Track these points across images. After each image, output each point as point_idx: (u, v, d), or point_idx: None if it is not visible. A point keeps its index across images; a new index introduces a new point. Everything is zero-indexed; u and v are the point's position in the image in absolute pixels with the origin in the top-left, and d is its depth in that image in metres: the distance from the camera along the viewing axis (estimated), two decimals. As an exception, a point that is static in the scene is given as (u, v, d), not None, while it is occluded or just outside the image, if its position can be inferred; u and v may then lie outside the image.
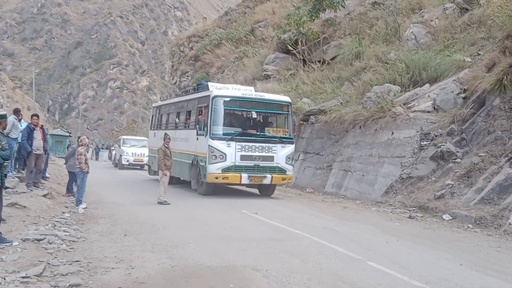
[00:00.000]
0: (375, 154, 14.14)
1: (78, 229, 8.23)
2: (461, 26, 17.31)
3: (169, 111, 18.23)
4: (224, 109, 13.36)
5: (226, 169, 12.88)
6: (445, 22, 17.97)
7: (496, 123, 11.67)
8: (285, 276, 5.48)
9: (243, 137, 13.24)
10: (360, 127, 15.37)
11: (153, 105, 22.06)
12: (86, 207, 10.77)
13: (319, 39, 22.53)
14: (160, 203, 11.75)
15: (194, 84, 18.63)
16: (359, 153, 14.87)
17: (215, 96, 13.25)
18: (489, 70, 12.98)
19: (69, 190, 12.84)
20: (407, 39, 18.40)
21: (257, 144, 13.29)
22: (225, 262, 6.13)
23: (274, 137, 13.71)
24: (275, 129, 14.18)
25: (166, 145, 12.37)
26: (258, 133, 13.76)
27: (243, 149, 13.08)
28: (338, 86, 18.97)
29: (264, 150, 13.35)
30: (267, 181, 13.41)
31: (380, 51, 18.09)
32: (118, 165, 28.38)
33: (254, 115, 14.00)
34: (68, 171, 12.84)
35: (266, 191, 14.43)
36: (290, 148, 13.90)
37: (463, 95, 13.51)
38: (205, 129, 13.18)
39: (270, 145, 13.48)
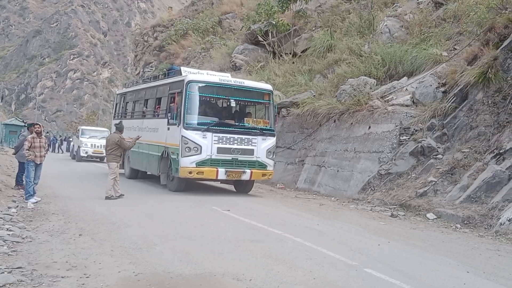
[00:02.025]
0: (351, 149, 13.46)
1: (25, 228, 7.10)
2: (435, 20, 16.94)
3: (135, 99, 16.69)
4: (200, 96, 12.02)
5: (201, 163, 11.60)
6: (420, 17, 17.60)
7: (479, 118, 11.18)
8: None
9: (221, 128, 11.96)
10: (334, 121, 14.67)
11: (117, 92, 20.33)
12: (36, 202, 9.58)
13: (289, 31, 21.76)
14: (116, 197, 10.77)
15: (164, 69, 17.10)
16: (333, 148, 14.17)
17: (190, 81, 11.88)
18: (470, 63, 12.53)
19: (18, 182, 11.61)
20: (381, 32, 17.90)
21: (236, 136, 12.05)
22: (199, 269, 5.20)
23: (254, 128, 12.46)
24: (255, 119, 13.01)
25: (121, 136, 11.28)
26: (237, 124, 12.48)
27: (221, 141, 11.82)
28: (310, 78, 18.26)
29: (243, 142, 12.13)
30: (246, 176, 12.22)
31: (354, 43, 17.50)
32: (76, 157, 26.85)
33: (233, 103, 12.75)
34: (18, 162, 11.61)
35: (243, 187, 13.29)
36: (271, 141, 12.70)
37: (442, 89, 13.01)
38: (178, 118, 11.82)
39: (250, 137, 12.26)
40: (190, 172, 11.55)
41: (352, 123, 13.86)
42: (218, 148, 11.77)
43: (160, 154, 13.02)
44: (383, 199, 11.22)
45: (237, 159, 12.03)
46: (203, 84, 12.10)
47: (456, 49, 14.96)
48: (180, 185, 12.37)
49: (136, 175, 15.58)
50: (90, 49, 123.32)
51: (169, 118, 12.37)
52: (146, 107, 15.29)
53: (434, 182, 10.46)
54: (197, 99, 11.97)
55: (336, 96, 15.14)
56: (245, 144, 12.17)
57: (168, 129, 12.52)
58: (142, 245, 6.25)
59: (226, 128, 12.07)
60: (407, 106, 13.05)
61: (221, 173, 11.78)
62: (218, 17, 31.64)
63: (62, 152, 39.30)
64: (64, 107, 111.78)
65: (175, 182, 12.38)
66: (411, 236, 7.66)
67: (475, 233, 8.23)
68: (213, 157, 11.74)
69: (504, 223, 8.23)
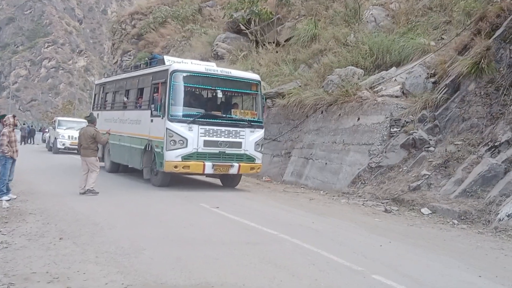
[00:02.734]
0: (340, 141, 13.13)
1: (0, 231, 6.54)
2: (421, 9, 16.70)
3: (116, 89, 15.85)
4: (185, 86, 11.37)
5: (187, 157, 11.05)
6: (406, 5, 17.34)
7: (471, 110, 10.94)
8: (278, 299, 4.21)
9: (207, 120, 11.42)
10: (322, 112, 14.31)
11: (96, 82, 19.42)
12: (10, 199, 8.97)
13: (272, 20, 21.29)
14: (90, 191, 10.30)
15: (146, 58, 16.34)
16: (321, 140, 13.82)
17: (174, 71, 11.28)
18: (460, 53, 12.28)
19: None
20: (367, 21, 17.59)
21: (223, 128, 11.53)
22: (194, 278, 4.75)
23: (242, 120, 11.99)
24: (242, 111, 12.52)
25: (96, 128, 10.84)
26: (224, 116, 11.92)
27: (207, 133, 11.29)
28: (294, 68, 17.85)
29: (230, 135, 11.63)
30: (233, 170, 11.71)
31: (340, 32, 17.13)
32: (52, 149, 25.93)
33: (220, 94, 12.03)
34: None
35: (230, 181, 12.82)
36: (259, 133, 12.22)
37: (432, 79, 12.75)
38: (162, 109, 11.20)
39: (238, 129, 11.76)
40: (176, 167, 11.02)
41: (340, 115, 13.52)
42: (204, 141, 11.26)
43: (143, 148, 12.40)
44: (375, 193, 10.93)
45: (225, 152, 11.54)
46: (189, 74, 11.50)
47: (443, 38, 14.74)
48: (164, 180, 11.82)
49: (117, 168, 14.97)
50: (65, 37, 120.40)
51: (153, 109, 11.76)
52: (127, 98, 14.57)
53: (427, 176, 10.20)
54: (182, 90, 11.33)
55: (323, 86, 14.77)
56: (233, 136, 11.69)
57: (152, 121, 11.93)
58: (129, 250, 5.77)
59: (213, 120, 11.55)
60: (397, 97, 12.75)
61: (208, 167, 11.28)
62: (198, 5, 30.95)
63: (32, 143, 37.64)
64: (39, 96, 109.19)
65: (160, 177, 11.82)
66: (410, 234, 7.35)
67: (474, 229, 7.98)
68: (200, 150, 11.22)
69: (503, 218, 8.00)
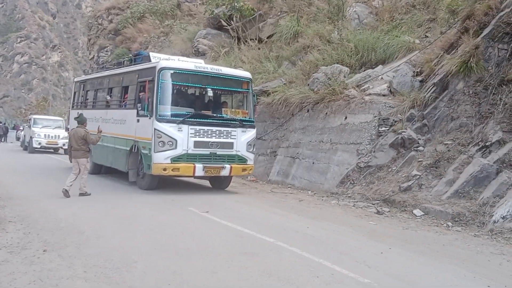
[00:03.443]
0: (327, 140, 12.95)
1: (-22, 243, 6.12)
2: (405, 7, 16.66)
3: (97, 87, 15.20)
4: (174, 84, 10.90)
5: (176, 159, 10.58)
6: (389, 3, 17.27)
7: (460, 109, 10.87)
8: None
9: (197, 120, 10.95)
10: (308, 111, 14.11)
11: (76, 79, 18.46)
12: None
13: (254, 16, 20.97)
14: (82, 194, 10.14)
15: (131, 55, 15.73)
16: (307, 139, 13.61)
17: (162, 68, 10.76)
18: (447, 51, 12.23)
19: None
20: (351, 19, 17.46)
21: (214, 128, 11.08)
22: (194, 296, 4.47)
23: (234, 119, 11.61)
24: (233, 110, 12.08)
25: (87, 129, 10.53)
26: (215, 115, 11.47)
27: (198, 134, 10.81)
28: (278, 65, 17.60)
29: (222, 135, 11.19)
30: (225, 172, 11.28)
31: (325, 29, 16.93)
32: (28, 148, 25.14)
33: (210, 92, 11.35)
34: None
35: (220, 183, 12.38)
36: (251, 133, 11.81)
37: (419, 78, 12.68)
38: (150, 109, 10.70)
39: (229, 129, 11.33)
40: (165, 169, 10.55)
41: (327, 113, 13.34)
42: (195, 142, 10.78)
43: (128, 149, 11.86)
44: (364, 193, 10.78)
45: (216, 153, 11.09)
46: (177, 72, 11.00)
47: (427, 36, 14.71)
48: (152, 183, 11.35)
49: (100, 170, 14.37)
50: (38, 31, 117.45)
51: (139, 109, 11.29)
52: (110, 97, 13.95)
53: (418, 176, 10.09)
54: (170, 88, 10.86)
55: (308, 84, 14.56)
56: (224, 137, 11.25)
57: (138, 121, 11.43)
58: (120, 263, 5.43)
59: (203, 120, 11.10)
60: (384, 95, 12.63)
61: (199, 169, 10.81)
62: (177, 0, 30.36)
63: (5, 141, 36.21)
64: (12, 93, 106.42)
65: (147, 180, 11.33)
66: (408, 239, 7.18)
67: (469, 232, 7.87)
68: (190, 151, 10.73)
69: (498, 220, 7.93)
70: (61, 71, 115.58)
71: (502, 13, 10.76)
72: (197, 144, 10.82)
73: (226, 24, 21.30)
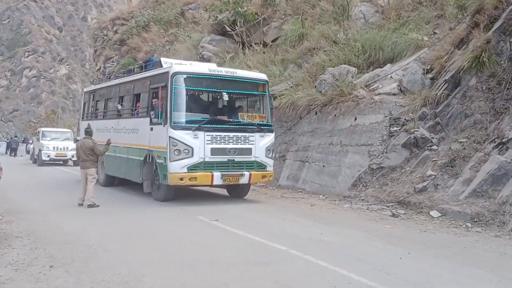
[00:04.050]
0: (337, 142, 12.66)
1: (-17, 260, 5.92)
2: (411, 4, 16.38)
3: (108, 96, 14.65)
4: (188, 89, 10.43)
5: (193, 167, 10.07)
6: (395, 1, 17.01)
7: (474, 105, 10.56)
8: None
9: (214, 126, 10.46)
10: (316, 113, 13.84)
11: (85, 90, 17.93)
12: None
13: (258, 20, 20.79)
14: (91, 205, 10.08)
15: (141, 62, 15.35)
16: (317, 142, 13.34)
17: (175, 73, 10.25)
18: (457, 47, 11.92)
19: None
20: (356, 18, 17.20)
21: (231, 134, 10.56)
22: (205, 311, 4.22)
23: (251, 124, 11.01)
24: (250, 114, 11.49)
25: (94, 140, 10.60)
26: (231, 120, 10.93)
27: (214, 140, 10.33)
28: (284, 68, 17.39)
29: (239, 141, 10.67)
30: (244, 180, 10.73)
31: (330, 30, 16.68)
32: (37, 161, 25.13)
33: (226, 96, 10.85)
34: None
35: (239, 192, 11.80)
36: (270, 138, 11.30)
37: (430, 75, 12.38)
38: (164, 116, 10.21)
39: (247, 134, 10.80)
40: (181, 179, 10.03)
41: (336, 115, 13.07)
42: (212, 149, 10.29)
43: (142, 159, 11.37)
44: (378, 196, 10.49)
45: (234, 160, 10.59)
46: (191, 76, 10.56)
47: (436, 33, 14.42)
48: (168, 194, 10.83)
49: (112, 182, 13.92)
50: (46, 45, 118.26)
51: (152, 116, 10.84)
52: (121, 105, 13.48)
53: (433, 176, 9.78)
54: (184, 94, 10.38)
55: (315, 86, 14.32)
56: (242, 142, 10.74)
57: (152, 129, 10.96)
58: (129, 278, 5.19)
59: (220, 126, 10.60)
60: (394, 94, 12.34)
61: (217, 177, 10.32)
62: (181, 8, 30.29)
63: (15, 155, 35.94)
64: (21, 107, 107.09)
65: (163, 191, 10.83)
66: (427, 242, 6.88)
67: (490, 232, 7.55)
68: (207, 159, 10.23)
69: (519, 219, 7.60)
70: (69, 83, 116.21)
71: (513, 6, 10.45)
72: (214, 151, 10.35)
73: (230, 30, 21.15)
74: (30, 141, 34.53)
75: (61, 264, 5.77)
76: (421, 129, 11.00)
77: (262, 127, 11.21)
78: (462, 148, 9.99)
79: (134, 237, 7.34)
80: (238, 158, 10.66)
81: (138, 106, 12.26)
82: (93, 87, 16.85)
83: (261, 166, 11.08)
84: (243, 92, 11.56)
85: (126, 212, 9.70)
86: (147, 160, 11.15)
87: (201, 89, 11.07)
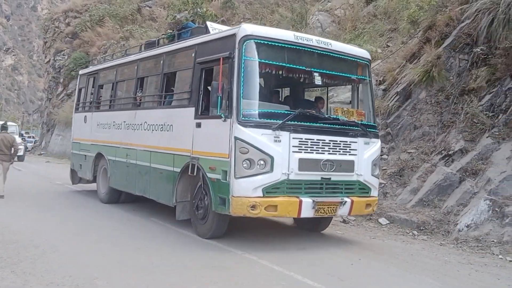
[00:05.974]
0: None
1: None
2: (366, 16, 16.89)
3: (118, 79, 10.73)
4: (265, 65, 6.75)
5: (272, 189, 6.40)
6: (351, 12, 17.49)
7: (423, 118, 11.00)
8: None
9: (303, 124, 6.73)
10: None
11: (81, 72, 13.26)
12: None
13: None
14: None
15: (174, 30, 11.46)
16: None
17: (247, 37, 6.54)
18: (409, 61, 12.40)
19: None
20: (314, 27, 17.56)
21: (327, 138, 6.89)
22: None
23: (354, 124, 7.29)
24: (346, 109, 7.63)
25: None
26: (327, 117, 7.34)
27: (305, 147, 6.67)
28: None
29: (338, 149, 6.99)
30: (344, 211, 7.04)
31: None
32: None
33: (318, 79, 7.12)
34: None
35: (317, 223, 8.01)
36: (376, 147, 7.56)
37: (382, 86, 12.79)
38: (225, 105, 6.54)
39: (347, 139, 7.11)
40: (253, 207, 6.27)
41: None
42: (300, 160, 6.60)
43: (178, 170, 7.68)
44: (329, 202, 10.69)
45: (330, 179, 6.90)
46: (272, 43, 6.74)
47: (389, 46, 14.93)
48: (219, 228, 7.12)
49: (118, 198, 10.50)
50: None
51: (201, 106, 7.35)
52: (141, 90, 9.65)
53: (383, 185, 10.08)
54: (260, 72, 6.76)
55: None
56: (342, 152, 7.03)
57: (199, 125, 7.28)
58: (79, 280, 5.04)
59: (311, 124, 6.84)
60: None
61: (307, 206, 6.54)
62: (137, 4, 29.78)
63: None
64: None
65: (211, 222, 7.07)
66: (376, 249, 7.08)
67: (435, 241, 7.87)
68: (292, 176, 6.52)
69: (462, 229, 7.97)
70: (14, 74, 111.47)
71: (463, 24, 10.99)
72: (303, 165, 6.63)
73: (188, 30, 21.02)
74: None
75: (7, 264, 5.56)
76: (373, 139, 11.32)
77: (368, 129, 7.51)
78: (411, 158, 10.38)
79: (83, 237, 7.12)
80: (335, 177, 6.95)
81: (172, 91, 8.64)
82: (97, 66, 12.86)
83: (363, 190, 7.32)
84: (338, 74, 7.77)
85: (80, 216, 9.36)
86: (190, 172, 7.31)
87: (284, 65, 6.89)
